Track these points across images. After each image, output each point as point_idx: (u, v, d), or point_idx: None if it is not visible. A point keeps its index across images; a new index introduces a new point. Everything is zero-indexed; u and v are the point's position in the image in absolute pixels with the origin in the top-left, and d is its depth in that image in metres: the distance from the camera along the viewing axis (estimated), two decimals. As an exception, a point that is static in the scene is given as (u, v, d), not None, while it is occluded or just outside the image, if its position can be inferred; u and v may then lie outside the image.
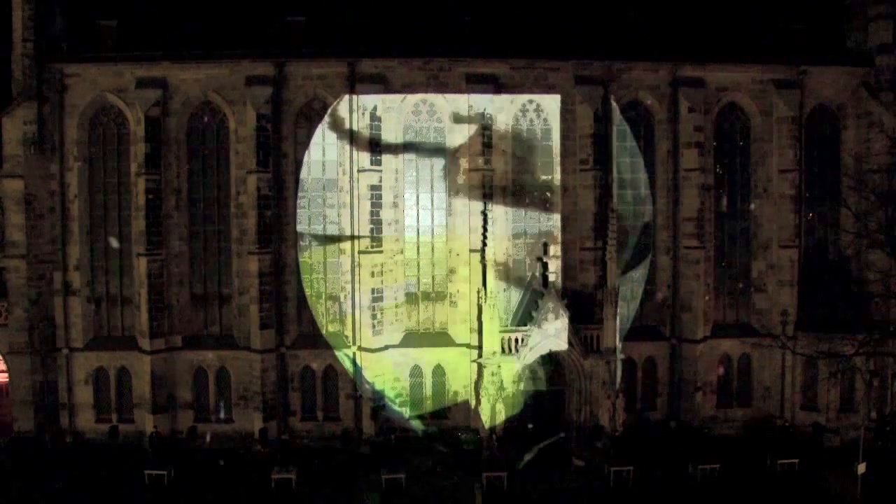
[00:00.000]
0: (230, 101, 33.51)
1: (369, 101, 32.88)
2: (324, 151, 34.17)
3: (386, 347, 33.53)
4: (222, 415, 33.88)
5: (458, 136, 33.77)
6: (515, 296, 34.14)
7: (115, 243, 33.96)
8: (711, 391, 35.00)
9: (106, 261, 34.31)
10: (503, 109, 33.86)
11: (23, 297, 32.99)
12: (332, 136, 34.01)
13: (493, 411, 31.15)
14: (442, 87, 33.74)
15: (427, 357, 33.98)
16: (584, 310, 32.73)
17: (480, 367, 31.73)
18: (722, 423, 34.84)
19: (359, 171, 33.17)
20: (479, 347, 31.75)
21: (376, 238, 33.26)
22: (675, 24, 34.39)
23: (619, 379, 31.66)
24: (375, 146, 33.11)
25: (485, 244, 32.07)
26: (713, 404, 35.01)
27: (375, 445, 32.72)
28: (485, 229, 32.24)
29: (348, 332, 33.91)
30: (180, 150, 33.87)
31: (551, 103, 34.22)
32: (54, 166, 33.22)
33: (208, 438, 32.82)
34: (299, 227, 34.14)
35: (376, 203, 33.24)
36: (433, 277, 34.73)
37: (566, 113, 34.11)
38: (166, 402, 33.34)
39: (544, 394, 32.81)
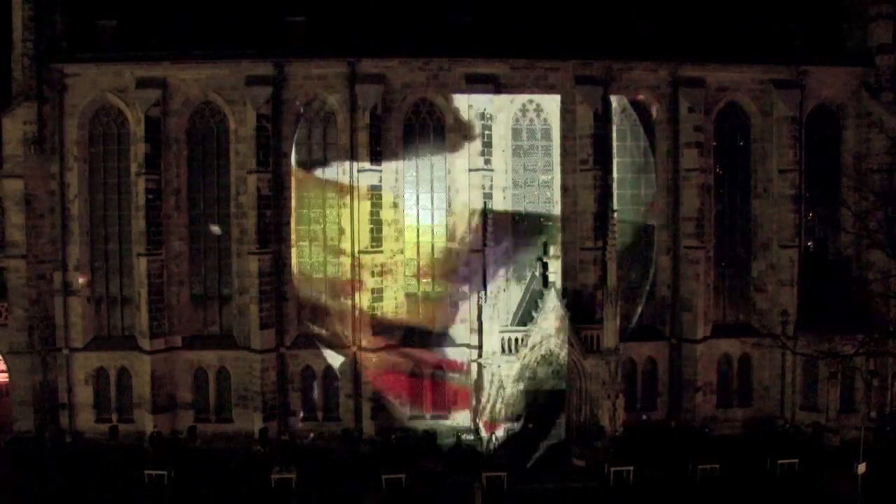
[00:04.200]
0: (230, 101, 33.50)
1: (370, 100, 32.87)
2: (324, 151, 34.18)
3: (386, 347, 33.51)
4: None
5: (458, 135, 33.77)
6: (515, 296, 34.13)
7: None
8: (711, 391, 34.99)
9: (106, 261, 34.31)
10: (503, 109, 33.86)
11: (23, 297, 32.99)
12: (332, 136, 34.02)
13: (493, 411, 31.15)
14: (442, 87, 33.74)
15: (427, 357, 33.95)
16: (584, 310, 32.76)
17: (480, 367, 31.75)
18: (722, 423, 34.84)
19: (359, 171, 33.16)
20: (479, 347, 31.77)
21: (376, 238, 33.24)
22: (675, 24, 34.36)
23: (619, 379, 31.65)
24: (375, 146, 33.09)
25: (485, 244, 32.08)
26: (713, 404, 35.00)
27: (375, 445, 32.72)
28: (485, 229, 32.25)
29: (348, 332, 33.91)
30: (180, 150, 33.87)
31: (551, 103, 34.22)
32: (54, 166, 33.22)
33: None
34: (299, 228, 34.14)
35: (376, 203, 33.23)
36: (433, 277, 34.71)
37: (566, 113, 34.10)
38: (166, 402, 33.33)
39: (544, 394, 32.76)
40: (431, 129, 34.34)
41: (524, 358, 31.81)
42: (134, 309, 33.85)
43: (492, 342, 31.39)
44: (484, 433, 31.27)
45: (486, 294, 31.41)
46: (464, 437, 32.48)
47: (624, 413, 32.02)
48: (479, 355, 31.77)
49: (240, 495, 28.71)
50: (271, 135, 33.06)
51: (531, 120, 34.63)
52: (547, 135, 34.62)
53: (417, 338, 34.20)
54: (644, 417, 34.27)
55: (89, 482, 29.32)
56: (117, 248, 34.22)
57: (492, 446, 30.81)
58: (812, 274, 35.12)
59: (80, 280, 33.66)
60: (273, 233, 33.32)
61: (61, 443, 32.88)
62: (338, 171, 34.03)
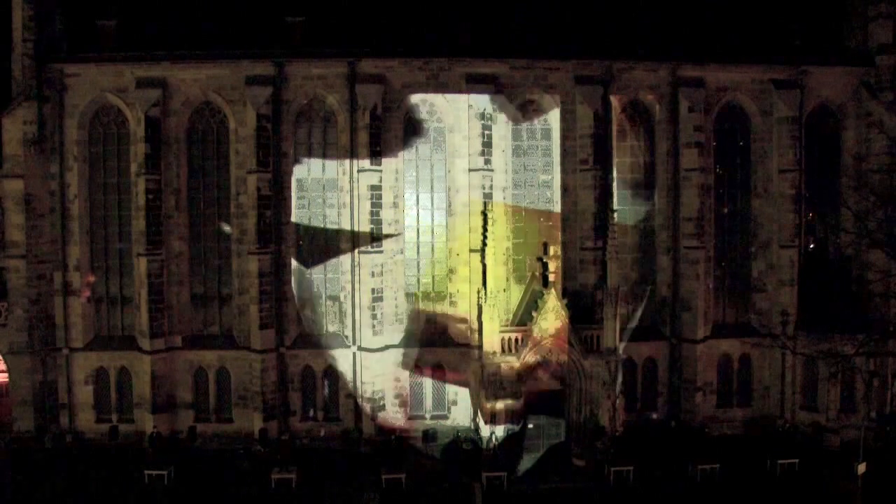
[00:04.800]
0: (230, 101, 33.51)
1: (370, 100, 32.86)
2: (324, 151, 34.20)
3: (386, 347, 33.53)
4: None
5: (458, 135, 33.77)
6: (515, 296, 34.13)
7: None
8: (711, 391, 34.99)
9: (106, 261, 34.30)
10: (503, 109, 33.87)
11: (23, 297, 32.97)
12: (332, 136, 34.04)
13: (493, 411, 31.15)
14: (442, 87, 33.74)
15: (427, 357, 33.95)
16: (584, 310, 32.74)
17: (480, 367, 31.73)
18: (722, 423, 34.85)
19: (359, 171, 33.17)
20: (479, 347, 31.76)
21: (376, 238, 33.24)
22: (675, 24, 34.38)
23: (619, 379, 31.64)
24: (375, 146, 33.09)
25: (485, 244, 32.10)
26: (713, 404, 35.00)
27: (375, 445, 32.73)
28: (485, 229, 32.27)
29: (348, 332, 33.93)
30: (180, 150, 33.87)
31: (551, 103, 34.23)
32: (54, 166, 33.21)
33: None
34: (299, 228, 34.16)
35: (376, 203, 33.21)
36: (433, 277, 34.73)
37: (566, 113, 34.11)
38: (166, 402, 33.33)
39: (544, 394, 32.76)
40: (431, 129, 34.35)
41: (524, 358, 31.79)
42: (134, 309, 33.84)
43: (492, 342, 31.38)
44: (484, 433, 31.23)
45: (485, 294, 31.41)
46: (464, 436, 32.43)
47: (624, 413, 32.01)
48: (479, 355, 31.76)
49: (240, 495, 28.72)
50: (271, 135, 33.06)
51: (531, 120, 34.63)
52: (547, 135, 34.63)
53: (417, 338, 34.20)
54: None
55: (89, 482, 29.33)
56: (117, 248, 34.22)
57: (492, 446, 30.77)
58: (812, 274, 35.14)
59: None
60: (273, 233, 33.33)
61: (61, 443, 32.89)
62: (338, 171, 34.05)
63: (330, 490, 28.99)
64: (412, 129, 34.20)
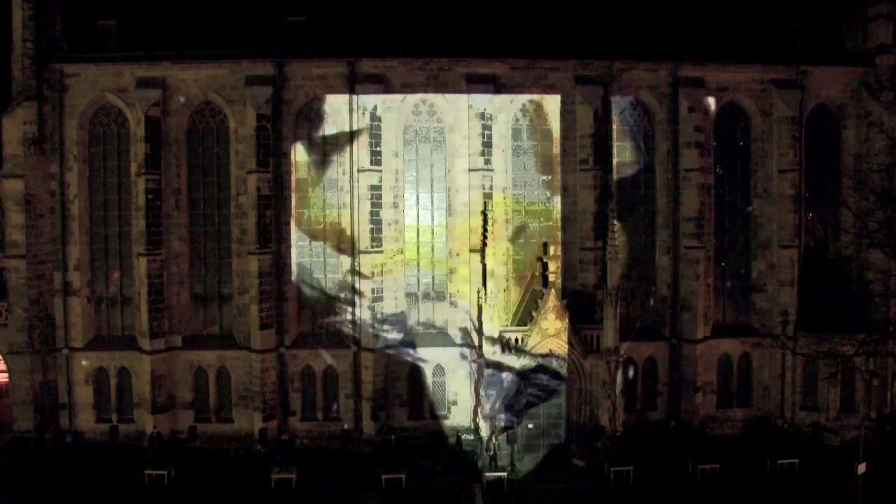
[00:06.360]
0: (230, 101, 33.51)
1: (369, 101, 32.88)
2: (324, 151, 34.20)
3: (386, 347, 33.53)
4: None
5: (458, 136, 33.77)
6: (515, 296, 34.12)
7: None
8: (711, 391, 35.00)
9: (106, 261, 34.32)
10: (503, 109, 33.87)
11: (23, 297, 32.95)
12: (332, 136, 34.04)
13: (493, 411, 31.13)
14: (442, 87, 33.74)
15: (427, 357, 33.95)
16: (584, 310, 32.73)
17: (480, 367, 31.74)
18: (722, 423, 34.85)
19: (359, 171, 33.17)
20: (480, 347, 31.76)
21: (376, 238, 33.25)
22: (675, 24, 34.37)
23: (619, 380, 31.64)
24: (375, 146, 33.09)
25: (485, 244, 32.10)
26: (713, 404, 35.01)
27: (375, 445, 32.73)
28: (485, 229, 32.27)
29: (348, 332, 33.92)
30: (180, 150, 33.88)
31: (551, 103, 34.23)
32: (54, 166, 33.23)
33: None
34: (299, 228, 34.17)
35: (376, 203, 33.23)
36: (433, 277, 34.73)
37: (566, 113, 34.11)
38: (166, 402, 33.33)
39: (545, 393, 32.74)
40: (431, 130, 34.35)
41: (524, 358, 31.79)
42: (134, 309, 33.85)
43: (492, 342, 31.37)
44: (484, 433, 31.24)
45: (485, 294, 31.42)
46: (464, 437, 32.47)
47: (624, 413, 32.02)
48: (479, 355, 31.76)
49: (240, 495, 28.72)
50: (271, 135, 33.07)
51: (531, 120, 34.64)
52: (547, 135, 34.63)
53: (417, 338, 34.19)
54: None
55: (89, 482, 29.30)
56: (117, 248, 34.23)
57: (492, 446, 30.77)
58: (812, 274, 35.13)
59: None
60: (273, 233, 33.33)
61: (61, 443, 32.90)
62: (338, 171, 34.06)
63: (330, 490, 29.00)
64: (411, 129, 34.16)
